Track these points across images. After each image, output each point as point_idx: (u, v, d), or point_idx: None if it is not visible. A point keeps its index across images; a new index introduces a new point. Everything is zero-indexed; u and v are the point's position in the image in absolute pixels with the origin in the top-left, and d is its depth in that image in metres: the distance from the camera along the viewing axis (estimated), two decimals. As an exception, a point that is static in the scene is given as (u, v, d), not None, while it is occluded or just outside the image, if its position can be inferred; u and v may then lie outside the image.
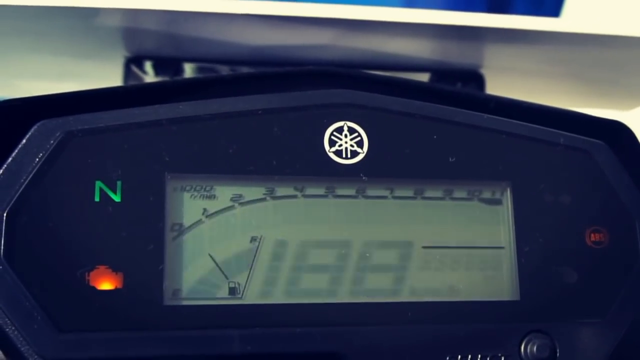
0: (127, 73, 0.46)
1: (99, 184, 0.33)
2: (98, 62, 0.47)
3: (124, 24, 0.42)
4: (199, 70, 0.48)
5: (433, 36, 0.44)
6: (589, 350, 0.36)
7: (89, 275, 0.32)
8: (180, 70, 0.47)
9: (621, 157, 0.39)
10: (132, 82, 0.46)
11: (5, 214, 0.32)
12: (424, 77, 0.50)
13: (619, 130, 0.40)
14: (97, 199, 0.33)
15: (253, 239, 0.35)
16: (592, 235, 0.38)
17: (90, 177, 0.33)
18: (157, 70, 0.46)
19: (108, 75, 0.47)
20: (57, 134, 0.33)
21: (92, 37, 0.44)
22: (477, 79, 0.50)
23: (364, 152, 0.36)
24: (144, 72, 0.46)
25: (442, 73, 0.49)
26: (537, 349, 0.35)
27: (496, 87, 0.49)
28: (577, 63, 0.49)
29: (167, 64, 0.46)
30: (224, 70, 0.48)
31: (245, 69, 0.47)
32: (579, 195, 0.38)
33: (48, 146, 0.33)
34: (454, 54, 0.47)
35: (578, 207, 0.38)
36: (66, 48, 0.46)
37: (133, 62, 0.46)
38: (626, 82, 0.53)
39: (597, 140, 0.39)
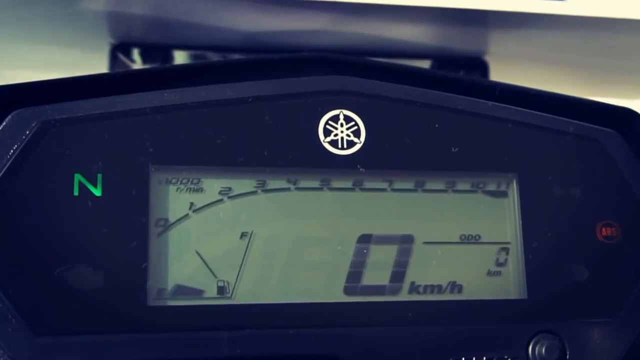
0: (114, 61, 0.45)
1: (78, 177, 0.32)
2: (83, 50, 0.46)
3: (108, 8, 0.41)
4: (190, 58, 0.47)
5: (435, 20, 0.43)
6: (600, 352, 0.35)
7: (67, 274, 0.31)
8: (169, 58, 0.45)
9: (634, 146, 0.38)
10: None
11: (-23, 209, 0.30)
12: (425, 65, 0.49)
13: (631, 118, 0.38)
14: (76, 193, 0.32)
15: (243, 235, 0.33)
16: (604, 229, 0.36)
17: (69, 170, 0.32)
18: (145, 58, 0.45)
19: (93, 64, 0.46)
20: (34, 124, 0.32)
21: (75, 23, 0.43)
22: (480, 67, 0.49)
23: (361, 142, 0.35)
24: (132, 60, 0.45)
25: (444, 60, 0.48)
26: (545, 350, 0.34)
27: (500, 75, 0.49)
28: (584, 50, 0.48)
29: (155, 52, 0.45)
30: (216, 58, 0.46)
31: (237, 57, 0.46)
32: (590, 187, 0.37)
33: (24, 137, 0.32)
34: (457, 40, 0.46)
35: (588, 200, 0.37)
36: (49, 36, 0.44)
37: (119, 49, 0.45)
38: (634, 70, 0.52)
39: (608, 129, 0.38)
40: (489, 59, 0.49)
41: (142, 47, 0.45)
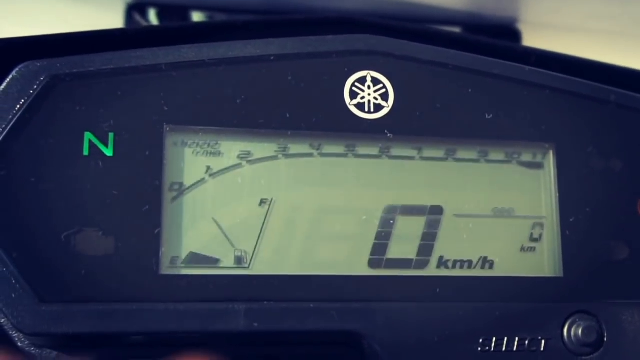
0: (129, 22, 0.43)
1: (88, 136, 0.30)
2: (96, 9, 0.45)
3: (123, -37, 0.39)
4: (208, 20, 0.44)
5: (466, -17, 0.41)
6: (640, 335, 0.34)
7: (75, 238, 0.30)
8: (187, 20, 0.44)
9: (679, 117, 0.36)
10: (133, 31, 0.43)
11: (-19, 168, 0.29)
12: (454, 33, 0.47)
13: (677, 88, 0.37)
14: (86, 152, 0.30)
15: (263, 202, 0.32)
16: (645, 205, 0.35)
17: (79, 128, 0.30)
18: (162, 19, 0.44)
19: (107, 24, 0.44)
20: (42, 78, 0.30)
21: (89, -21, 0.41)
22: (513, 35, 0.48)
23: (389, 106, 0.33)
24: (147, 20, 0.43)
25: (474, 28, 0.47)
26: (582, 332, 0.33)
27: (534, 45, 0.47)
28: (623, 19, 0.46)
29: (172, 12, 0.43)
30: (236, 20, 0.44)
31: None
32: (631, 159, 0.36)
33: (31, 91, 0.30)
34: (488, 6, 0.45)
35: (629, 174, 0.35)
36: (61, -8, 0.42)
37: (135, 9, 0.43)
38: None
39: (652, 99, 0.37)
40: (522, 27, 0.47)
41: (158, 7, 0.43)
